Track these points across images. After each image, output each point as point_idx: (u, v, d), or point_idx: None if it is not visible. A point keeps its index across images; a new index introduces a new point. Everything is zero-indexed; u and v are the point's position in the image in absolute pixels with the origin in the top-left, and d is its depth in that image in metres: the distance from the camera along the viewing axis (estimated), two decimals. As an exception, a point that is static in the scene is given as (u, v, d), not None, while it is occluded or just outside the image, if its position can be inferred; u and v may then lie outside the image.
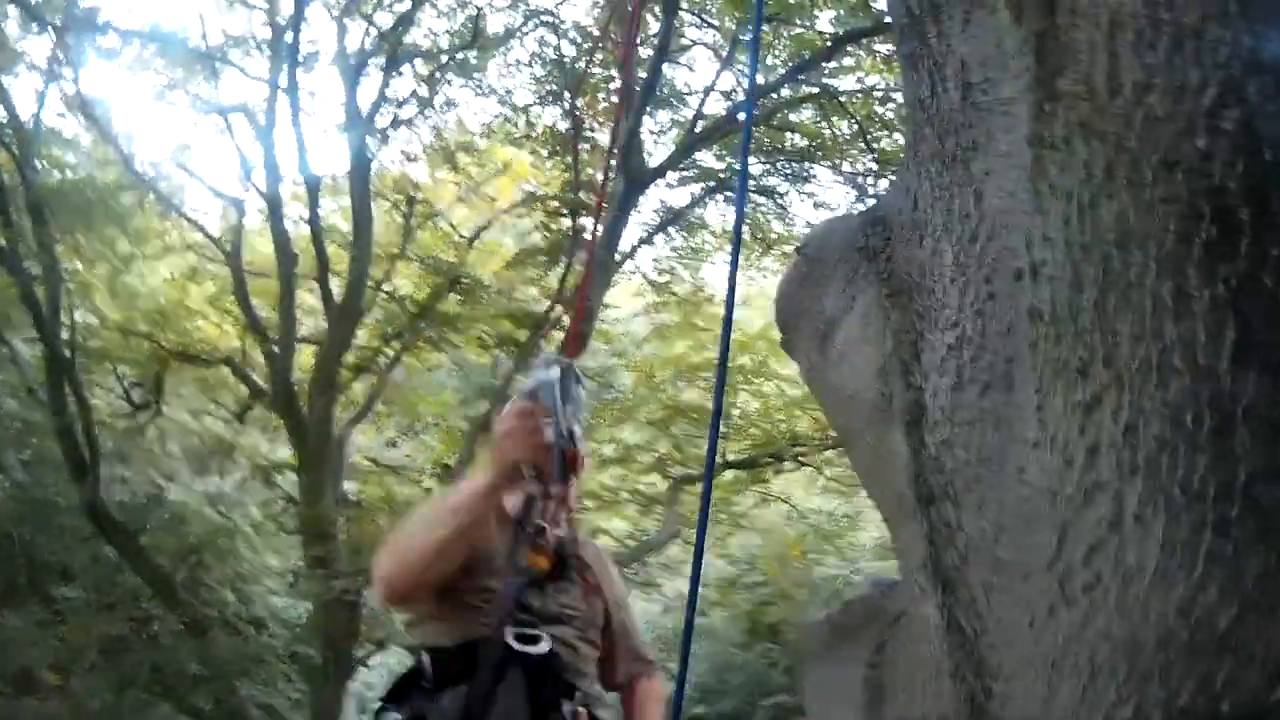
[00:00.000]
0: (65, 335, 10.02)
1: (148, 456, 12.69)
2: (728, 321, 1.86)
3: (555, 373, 2.16)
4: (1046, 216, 1.07)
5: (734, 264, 2.09)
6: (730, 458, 12.60)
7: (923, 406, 1.24)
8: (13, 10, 9.92)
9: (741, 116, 9.79)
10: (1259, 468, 0.93)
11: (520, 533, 2.17)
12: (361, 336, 11.15)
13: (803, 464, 12.92)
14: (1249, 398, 0.92)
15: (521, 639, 2.19)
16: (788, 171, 10.81)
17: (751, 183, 10.61)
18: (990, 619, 1.13)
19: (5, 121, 9.80)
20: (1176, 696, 0.97)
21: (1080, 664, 1.03)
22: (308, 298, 11.48)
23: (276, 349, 10.42)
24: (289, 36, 10.11)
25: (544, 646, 2.23)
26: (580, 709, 2.29)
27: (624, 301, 13.57)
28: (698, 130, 10.30)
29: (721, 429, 12.15)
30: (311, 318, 11.68)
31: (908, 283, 1.34)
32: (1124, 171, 0.97)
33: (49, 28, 10.02)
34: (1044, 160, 1.06)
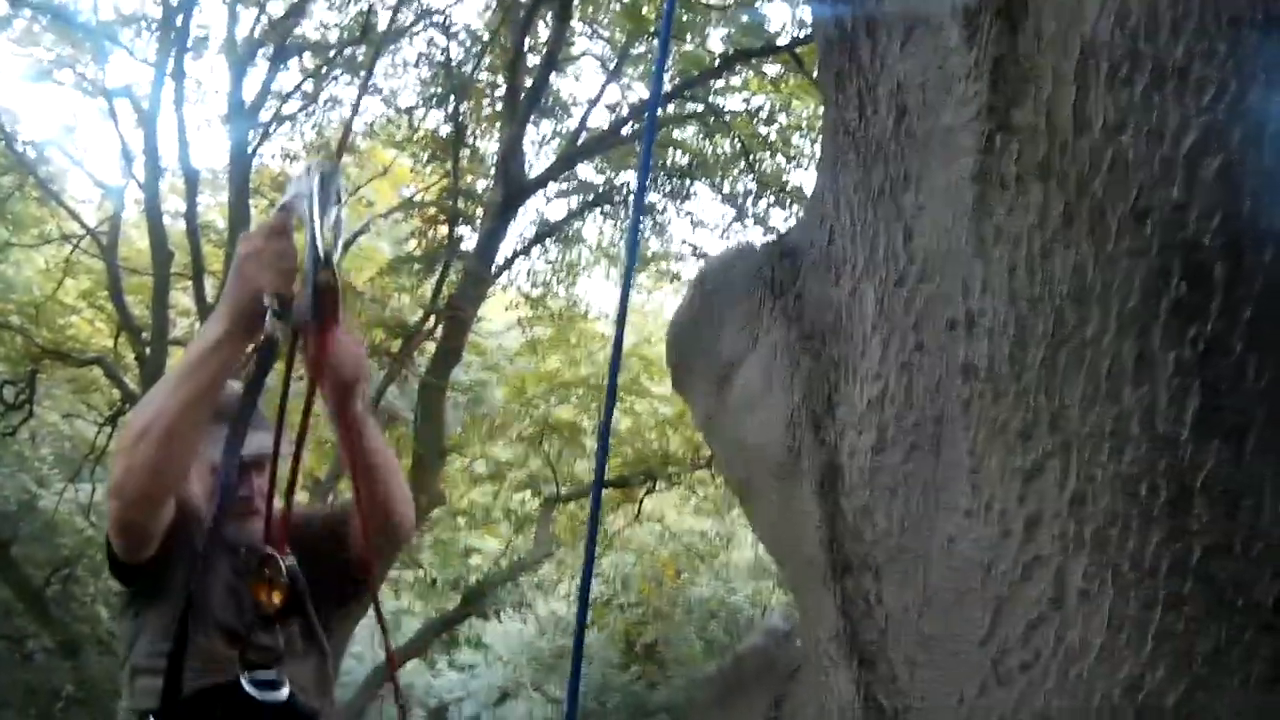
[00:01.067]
0: None
1: (19, 460, 12.04)
2: (619, 339, 1.72)
3: (315, 181, 1.63)
4: (989, 262, 0.97)
5: (626, 281, 1.97)
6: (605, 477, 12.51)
7: (838, 467, 1.13)
8: None
9: (626, 130, 9.74)
10: (1215, 542, 0.85)
11: (253, 392, 1.69)
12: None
13: (675, 483, 12.89)
14: (1209, 468, 0.84)
15: (258, 684, 1.85)
16: (667, 188, 10.78)
17: (628, 198, 10.57)
18: (913, 695, 1.02)
19: None
20: (1119, 785, 0.88)
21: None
22: (182, 297, 10.99)
23: (149, 350, 9.93)
24: (180, 19, 9.68)
25: (283, 694, 1.89)
26: None
27: (497, 314, 13.36)
28: (580, 142, 10.18)
29: (593, 446, 12.08)
30: (185, 318, 11.17)
31: (821, 325, 1.22)
32: (1085, 218, 0.87)
33: None
34: (990, 199, 0.96)
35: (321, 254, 1.55)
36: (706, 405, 1.47)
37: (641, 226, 10.15)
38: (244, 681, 1.80)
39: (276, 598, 1.77)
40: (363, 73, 10.02)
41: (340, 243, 1.67)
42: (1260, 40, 0.82)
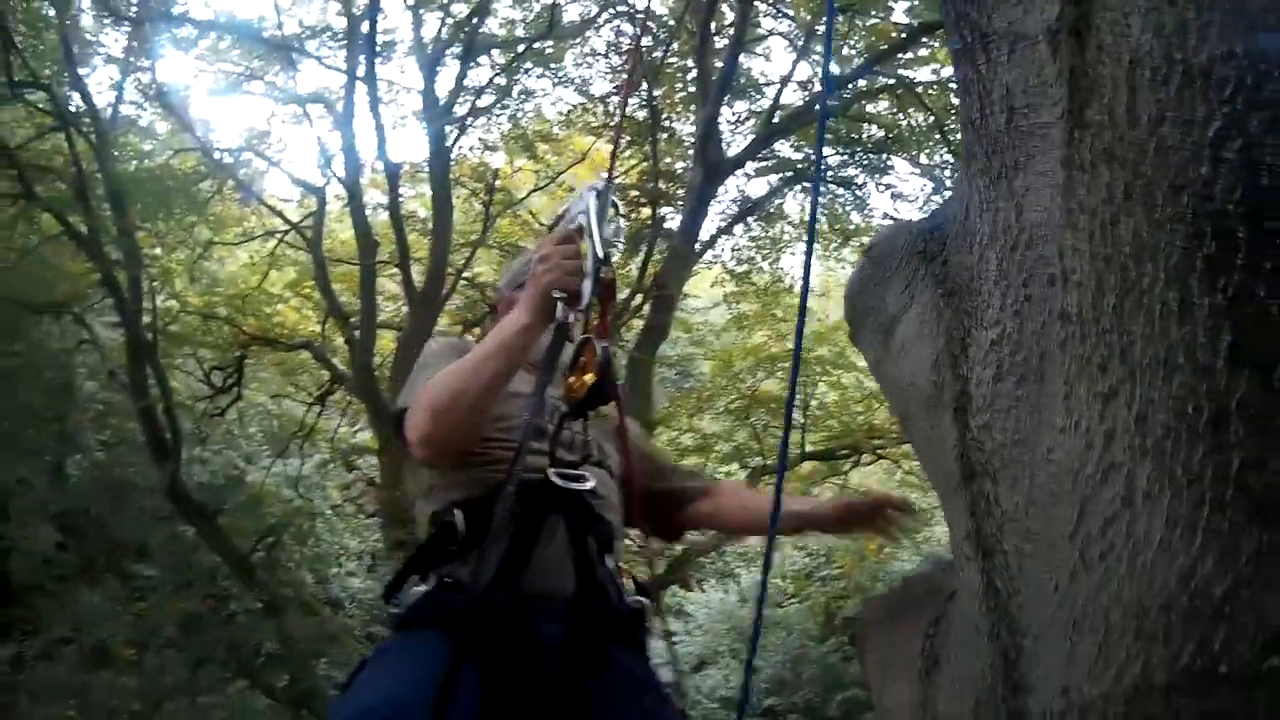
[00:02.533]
0: (146, 320, 10.25)
1: (227, 439, 13.09)
2: (802, 311, 2.00)
3: (591, 195, 1.99)
4: (1076, 230, 1.21)
5: (809, 256, 2.22)
6: (808, 449, 12.66)
7: (968, 394, 1.40)
8: (88, 3, 10.21)
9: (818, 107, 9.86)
10: (1250, 456, 1.07)
11: (555, 350, 1.93)
12: (442, 323, 11.38)
13: (880, 457, 12.91)
14: (1242, 393, 1.06)
15: (563, 477, 2.00)
16: (865, 163, 10.84)
17: (829, 174, 10.69)
18: (1021, 582, 1.28)
19: (83, 111, 10.03)
20: (1178, 657, 1.12)
21: (1096, 625, 1.18)
22: (388, 284, 11.74)
23: (357, 334, 10.59)
24: (365, 27, 10.29)
25: (589, 484, 2.03)
26: (619, 564, 2.13)
27: (703, 291, 13.69)
28: (775, 120, 10.38)
29: (799, 420, 12.25)
30: (392, 304, 11.93)
31: (959, 285, 1.49)
32: (1139, 193, 1.11)
33: (125, 21, 10.27)
34: (1074, 181, 1.21)
35: (600, 254, 1.91)
36: (875, 354, 1.75)
37: (821, 203, 10.25)
38: (550, 474, 1.98)
39: (589, 378, 1.92)
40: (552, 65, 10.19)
41: (620, 245, 2.04)
42: (1272, 40, 1.04)
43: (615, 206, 2.04)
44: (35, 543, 11.03)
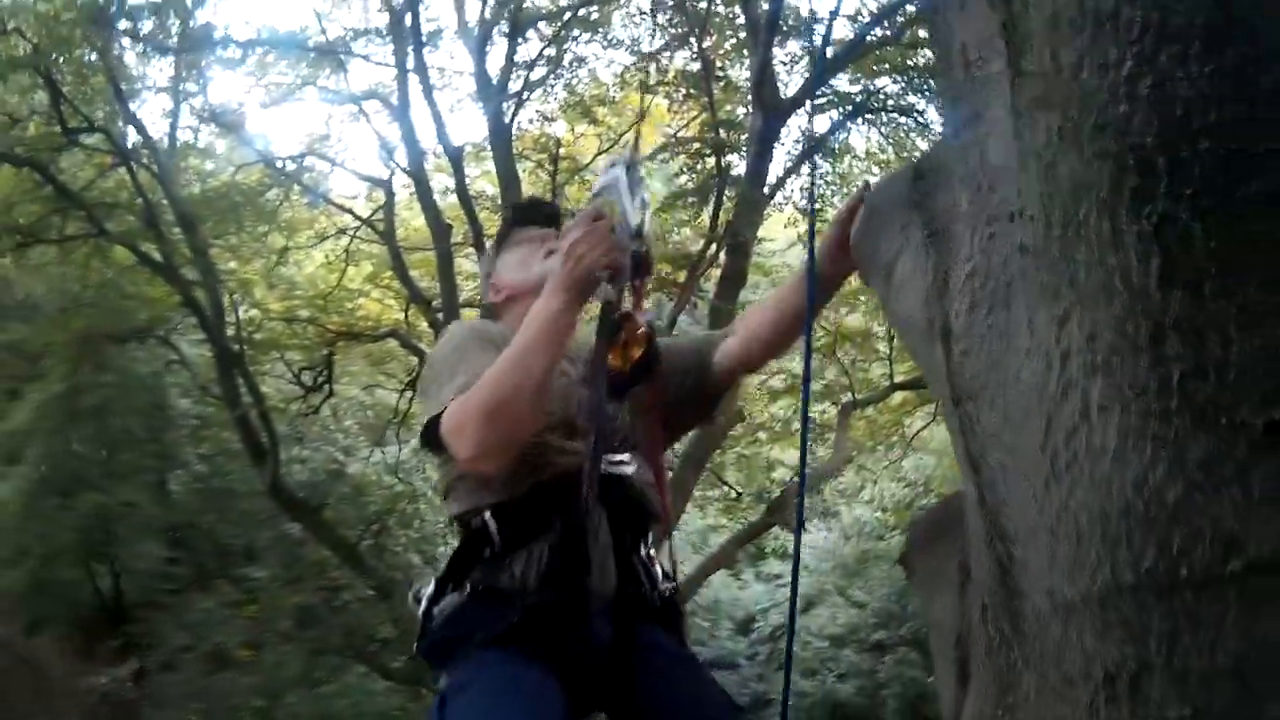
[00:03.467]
0: (231, 331, 10.66)
1: (324, 435, 13.58)
2: (810, 274, 2.10)
3: (621, 170, 1.98)
4: (1025, 172, 1.32)
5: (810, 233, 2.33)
6: (898, 379, 12.65)
7: (949, 325, 1.52)
8: (128, 41, 10.44)
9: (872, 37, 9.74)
10: (1188, 368, 1.17)
11: (612, 329, 1.90)
12: (522, 295, 11.51)
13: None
14: (1175, 312, 1.17)
15: (607, 462, 1.96)
16: (925, 89, 10.70)
17: (890, 102, 10.60)
18: (1006, 494, 1.41)
19: (140, 144, 10.42)
20: (1141, 560, 1.23)
21: (1069, 530, 1.30)
22: (465, 264, 11.99)
23: (440, 317, 10.80)
24: (408, 19, 10.43)
25: (630, 468, 2.00)
26: (651, 552, 2.10)
27: (778, 233, 13.69)
28: (829, 56, 10.31)
29: (888, 351, 12.21)
30: (470, 282, 12.22)
31: (940, 226, 1.60)
32: (1070, 135, 1.21)
33: (168, 52, 10.53)
34: (1020, 126, 1.31)
35: (634, 227, 1.91)
36: (881, 292, 1.87)
37: (885, 133, 10.13)
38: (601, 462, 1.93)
39: (636, 351, 1.90)
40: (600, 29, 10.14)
41: (648, 216, 1.99)
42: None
43: (643, 181, 2.02)
44: (143, 561, 11.49)
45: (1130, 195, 1.17)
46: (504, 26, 10.83)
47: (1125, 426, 1.22)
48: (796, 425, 13.71)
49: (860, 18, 10.16)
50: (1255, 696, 1.24)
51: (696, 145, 11.46)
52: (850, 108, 11.13)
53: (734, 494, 13.53)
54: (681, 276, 11.46)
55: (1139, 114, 1.15)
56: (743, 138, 11.03)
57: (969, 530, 1.68)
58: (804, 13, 10.14)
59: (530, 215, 2.47)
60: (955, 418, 1.51)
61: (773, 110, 10.00)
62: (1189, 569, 1.21)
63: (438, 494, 2.22)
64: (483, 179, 12.78)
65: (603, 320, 1.93)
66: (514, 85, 11.20)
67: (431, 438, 1.93)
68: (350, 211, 12.35)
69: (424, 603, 2.00)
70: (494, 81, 10.75)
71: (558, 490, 1.92)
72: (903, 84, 10.86)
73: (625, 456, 2.05)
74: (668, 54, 11.40)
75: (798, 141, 11.49)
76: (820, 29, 9.34)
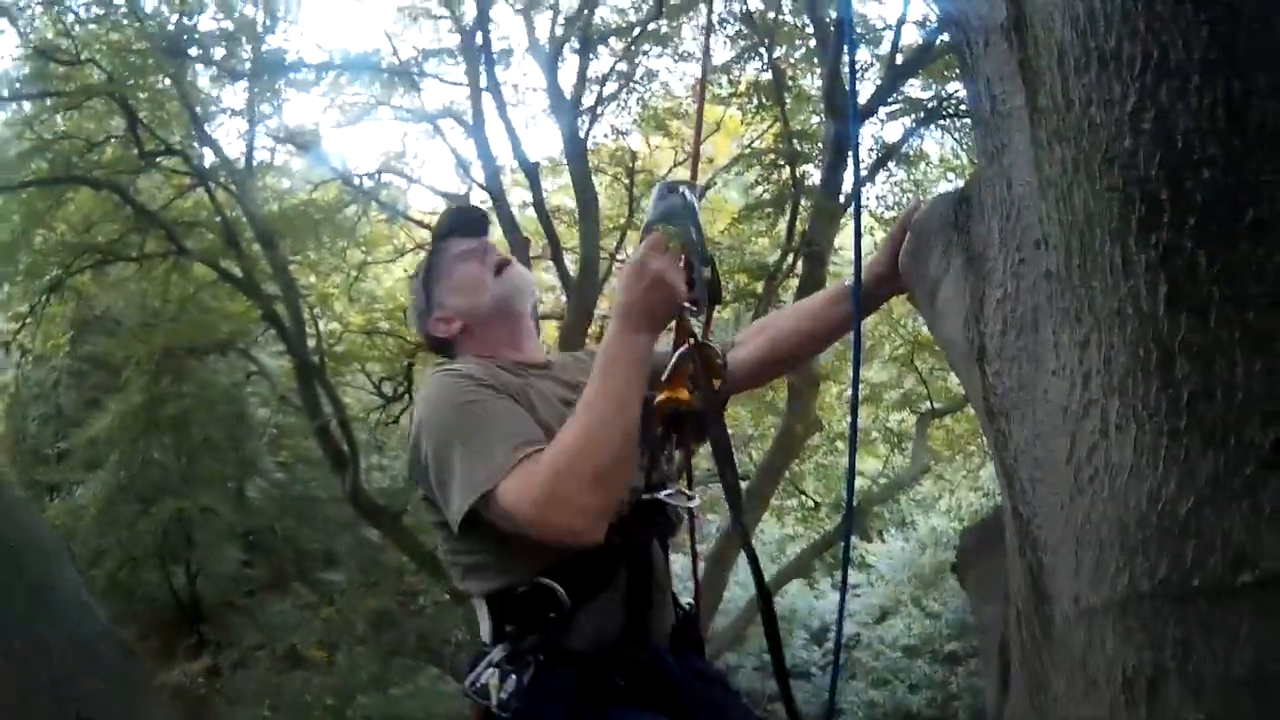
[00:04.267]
0: (311, 344, 10.89)
1: (403, 444, 13.81)
2: (856, 293, 2.17)
3: (690, 196, 1.91)
4: (1046, 201, 1.40)
5: (858, 220, 2.41)
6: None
7: (985, 347, 1.60)
8: (202, 67, 10.78)
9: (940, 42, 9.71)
10: (1197, 390, 1.24)
11: (695, 360, 1.85)
12: (603, 306, 11.77)
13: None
14: (1182, 334, 1.24)
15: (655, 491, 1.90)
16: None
17: (962, 107, 10.51)
18: (1036, 505, 1.48)
19: (217, 165, 10.71)
20: (1156, 569, 1.30)
21: (1092, 540, 1.37)
22: (544, 276, 12.15)
23: None
24: (479, 38, 10.61)
25: (670, 489, 1.92)
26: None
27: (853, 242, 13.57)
28: (899, 63, 10.29)
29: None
30: (549, 295, 12.35)
31: (977, 251, 1.68)
32: (1083, 168, 1.29)
33: (241, 77, 10.83)
34: (1039, 158, 1.39)
35: (706, 255, 1.88)
36: (926, 314, 1.95)
37: (958, 138, 10.07)
38: (658, 496, 1.89)
39: (716, 382, 1.87)
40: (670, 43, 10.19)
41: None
42: (1172, 11, 1.20)
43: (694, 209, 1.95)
44: (221, 564, 11.78)
45: (1138, 225, 1.24)
46: (574, 43, 11.01)
47: (1141, 444, 1.29)
48: (875, 434, 13.64)
49: (928, 23, 10.13)
50: (1273, 708, 1.30)
51: (771, 156, 11.50)
52: (923, 114, 11.07)
53: (812, 503, 13.51)
54: (759, 287, 11.50)
55: (1143, 147, 1.22)
56: (818, 147, 11.04)
57: (1007, 540, 1.75)
58: (872, 20, 10.16)
59: (460, 226, 2.25)
60: (991, 434, 1.59)
61: (844, 118, 10.00)
62: (1201, 580, 1.28)
63: (449, 572, 2.01)
64: (559, 193, 12.94)
65: (684, 353, 1.87)
66: (587, 100, 11.38)
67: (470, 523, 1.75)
68: (427, 226, 12.47)
69: (495, 695, 1.81)
70: (567, 97, 10.94)
71: (618, 534, 1.77)
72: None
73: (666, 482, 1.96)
74: (739, 65, 11.47)
75: (871, 150, 11.48)
76: (889, 35, 9.33)
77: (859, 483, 13.68)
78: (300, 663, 11.39)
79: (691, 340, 1.87)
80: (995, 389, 1.56)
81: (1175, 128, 1.21)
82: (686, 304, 1.82)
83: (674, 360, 1.86)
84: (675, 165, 12.63)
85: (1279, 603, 1.26)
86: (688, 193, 1.93)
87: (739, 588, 12.32)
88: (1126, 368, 1.30)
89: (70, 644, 1.89)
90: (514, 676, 1.78)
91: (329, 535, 12.83)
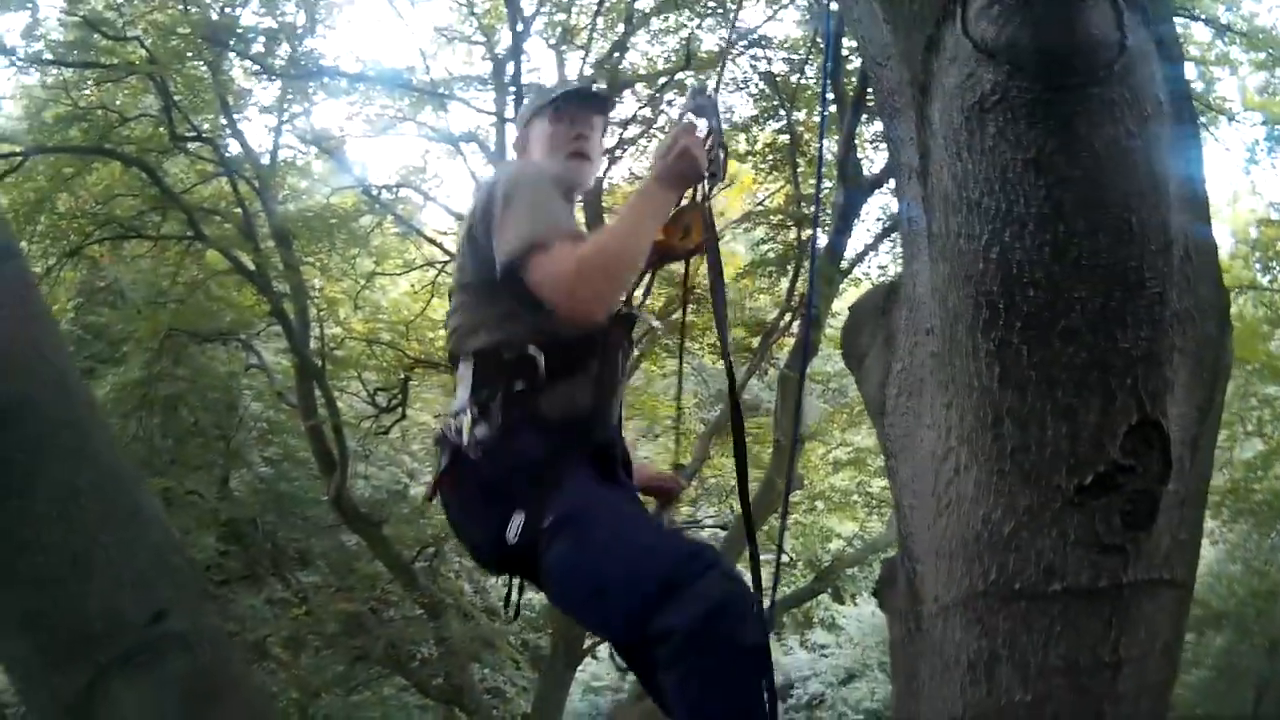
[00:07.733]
0: (314, 345, 11.03)
1: (391, 455, 13.91)
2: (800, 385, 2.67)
3: (713, 97, 2.39)
4: (934, 301, 1.90)
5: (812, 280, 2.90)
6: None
7: (886, 404, 2.10)
8: (238, 59, 10.77)
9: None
10: (1018, 444, 1.74)
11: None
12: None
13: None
14: (1009, 404, 1.73)
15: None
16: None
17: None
18: (914, 525, 1.98)
19: (242, 157, 10.82)
20: (989, 574, 1.79)
21: (946, 551, 1.86)
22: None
23: None
24: (510, 68, 10.83)
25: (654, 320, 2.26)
26: None
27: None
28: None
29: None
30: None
31: (892, 332, 2.18)
32: (955, 281, 1.79)
33: (276, 76, 10.88)
34: (933, 270, 1.90)
35: (723, 140, 2.30)
36: (856, 376, 2.45)
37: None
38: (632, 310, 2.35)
39: (697, 236, 2.33)
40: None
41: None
42: (1019, 177, 1.69)
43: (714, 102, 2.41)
44: (197, 551, 11.88)
45: (983, 324, 1.75)
46: (602, 85, 11.37)
47: (979, 481, 1.79)
48: (855, 498, 13.84)
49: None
50: (1086, 692, 1.79)
51: (779, 217, 11.93)
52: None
53: (789, 560, 13.70)
54: (755, 342, 11.85)
55: (990, 270, 1.73)
56: (826, 211, 11.47)
57: (896, 556, 2.24)
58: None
59: (585, 99, 2.64)
60: (888, 471, 2.08)
61: (855, 187, 10.44)
62: (1021, 585, 1.77)
63: (451, 327, 2.32)
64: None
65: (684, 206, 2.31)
66: (608, 141, 11.72)
67: (515, 270, 2.05)
68: (440, 245, 12.50)
69: (466, 434, 2.10)
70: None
71: (602, 332, 2.15)
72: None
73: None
74: (758, 124, 11.82)
75: (879, 219, 11.91)
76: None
77: (836, 544, 13.81)
78: (266, 657, 11.30)
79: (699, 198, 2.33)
80: (889, 436, 2.06)
81: (1013, 258, 1.70)
82: (706, 174, 2.24)
83: (674, 212, 2.30)
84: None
85: (1081, 608, 1.76)
86: (710, 91, 2.47)
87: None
88: (972, 425, 1.79)
89: (149, 550, 2.34)
90: (485, 424, 2.09)
91: (308, 535, 12.85)
